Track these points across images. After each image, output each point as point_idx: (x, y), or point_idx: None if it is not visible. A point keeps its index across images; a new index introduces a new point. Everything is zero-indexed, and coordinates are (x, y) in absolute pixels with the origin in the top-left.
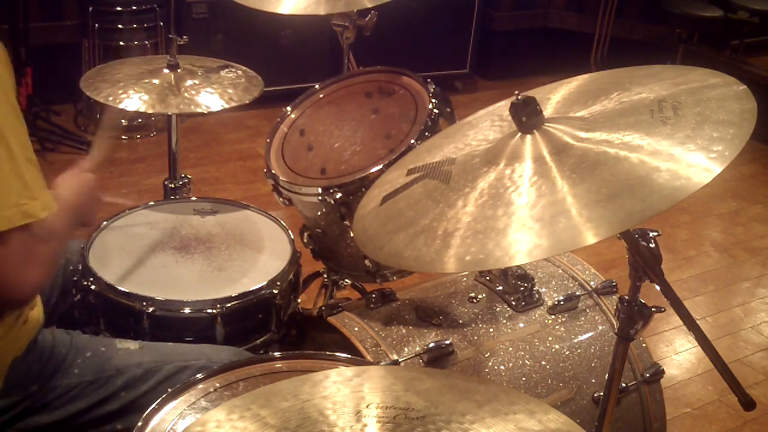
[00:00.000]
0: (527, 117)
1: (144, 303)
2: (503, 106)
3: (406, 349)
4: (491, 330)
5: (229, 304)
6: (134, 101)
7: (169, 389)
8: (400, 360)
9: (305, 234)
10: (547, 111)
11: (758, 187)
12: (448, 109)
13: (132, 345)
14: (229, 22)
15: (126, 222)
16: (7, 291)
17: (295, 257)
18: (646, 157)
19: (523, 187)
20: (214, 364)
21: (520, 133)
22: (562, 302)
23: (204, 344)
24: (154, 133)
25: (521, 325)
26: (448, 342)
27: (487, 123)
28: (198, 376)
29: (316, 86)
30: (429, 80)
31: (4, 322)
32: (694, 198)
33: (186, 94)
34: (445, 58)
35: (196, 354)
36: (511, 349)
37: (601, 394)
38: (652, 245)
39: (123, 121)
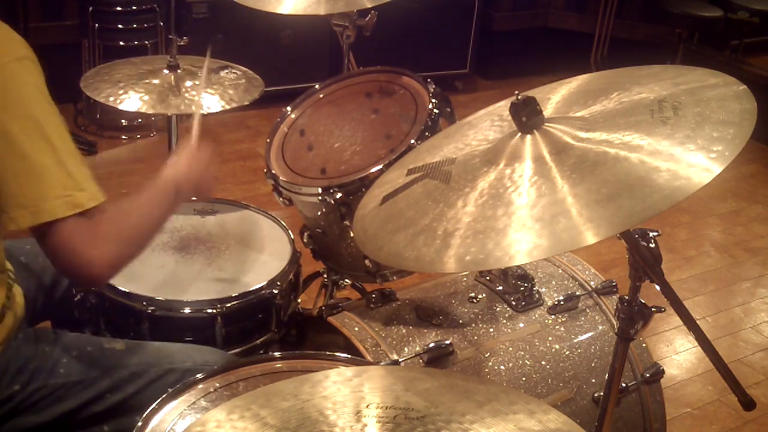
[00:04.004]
0: (527, 117)
1: (144, 303)
2: (503, 106)
3: (406, 349)
4: (491, 330)
5: (229, 304)
6: (134, 101)
7: (155, 392)
8: (400, 360)
9: (305, 234)
10: (547, 111)
11: (758, 187)
12: (448, 109)
13: (118, 345)
14: (229, 22)
15: None
16: (74, 273)
17: (295, 257)
18: (646, 157)
19: (523, 187)
20: (199, 367)
21: (520, 133)
22: (562, 302)
23: (191, 345)
24: (154, 133)
25: (521, 325)
26: (448, 342)
27: (487, 123)
28: (198, 376)
29: (316, 86)
30: (429, 80)
31: None
32: (694, 198)
33: (186, 95)
34: (445, 58)
35: (182, 356)
36: (511, 349)
37: (601, 394)
38: (652, 245)
39: (123, 121)
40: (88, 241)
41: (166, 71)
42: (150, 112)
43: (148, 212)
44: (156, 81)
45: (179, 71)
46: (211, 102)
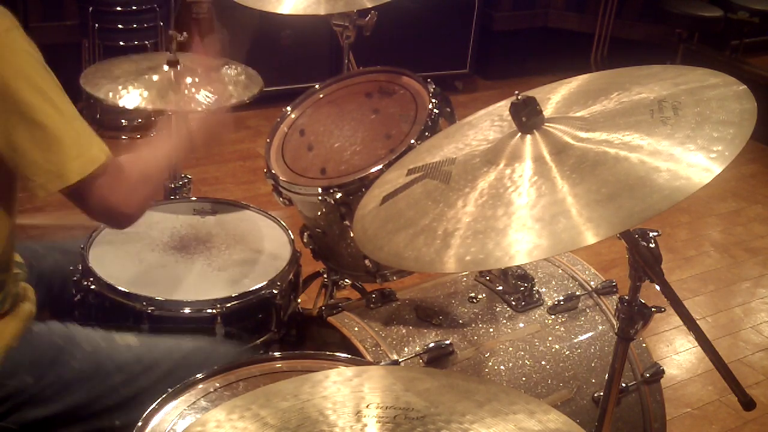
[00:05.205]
0: (527, 117)
1: (144, 303)
2: (503, 106)
3: (406, 349)
4: (491, 330)
5: (229, 304)
6: (134, 97)
7: (167, 385)
8: (400, 360)
9: (305, 234)
10: (547, 111)
11: (758, 187)
12: (448, 109)
13: (131, 340)
14: (229, 22)
15: None
16: (111, 219)
17: (295, 257)
18: (646, 157)
19: (523, 187)
20: (212, 360)
21: (520, 133)
22: (562, 302)
23: (203, 337)
24: (155, 133)
25: (521, 325)
26: (448, 342)
27: (487, 123)
28: (198, 376)
29: (316, 86)
30: (429, 80)
31: None
32: (694, 198)
33: (186, 92)
34: (445, 58)
35: (194, 350)
36: (511, 349)
37: (601, 394)
38: (652, 245)
39: (123, 121)
40: (115, 188)
41: (165, 67)
42: (150, 107)
43: (164, 155)
44: (156, 77)
45: (179, 67)
46: (210, 100)
